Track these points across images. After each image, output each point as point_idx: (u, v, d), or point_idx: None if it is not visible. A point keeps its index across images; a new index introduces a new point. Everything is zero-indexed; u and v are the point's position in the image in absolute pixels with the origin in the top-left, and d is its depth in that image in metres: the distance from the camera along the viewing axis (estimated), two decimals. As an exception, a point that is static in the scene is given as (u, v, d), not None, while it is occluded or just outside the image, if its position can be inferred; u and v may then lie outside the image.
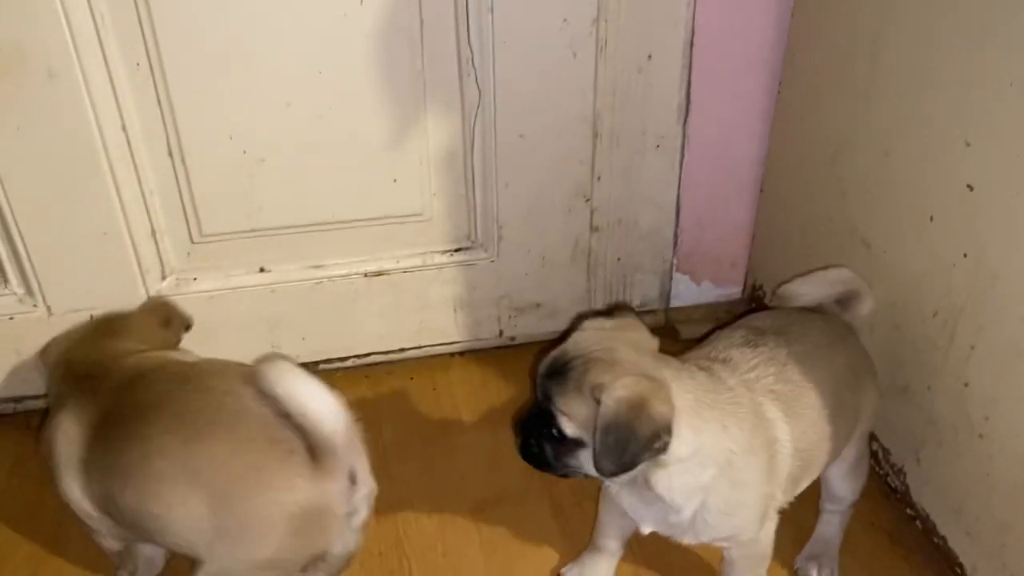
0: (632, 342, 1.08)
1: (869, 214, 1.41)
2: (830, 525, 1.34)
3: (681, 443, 1.01)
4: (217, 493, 1.02)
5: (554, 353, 1.09)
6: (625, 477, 1.05)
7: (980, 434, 1.21)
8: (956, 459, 1.27)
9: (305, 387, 1.02)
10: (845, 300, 1.31)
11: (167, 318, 1.41)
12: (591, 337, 1.09)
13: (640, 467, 1.03)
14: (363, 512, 1.11)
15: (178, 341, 1.43)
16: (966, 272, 1.21)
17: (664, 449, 1.00)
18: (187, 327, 1.45)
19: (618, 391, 0.99)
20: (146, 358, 1.22)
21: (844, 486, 1.31)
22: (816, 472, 1.22)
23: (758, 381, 1.13)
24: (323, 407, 1.02)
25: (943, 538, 1.32)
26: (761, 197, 1.76)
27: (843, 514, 1.35)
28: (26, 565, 1.36)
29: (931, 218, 1.26)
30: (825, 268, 1.33)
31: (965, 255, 1.20)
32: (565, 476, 1.11)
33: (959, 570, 1.29)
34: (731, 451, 1.05)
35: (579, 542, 1.39)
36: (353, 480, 1.07)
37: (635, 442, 0.98)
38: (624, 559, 1.35)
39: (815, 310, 1.30)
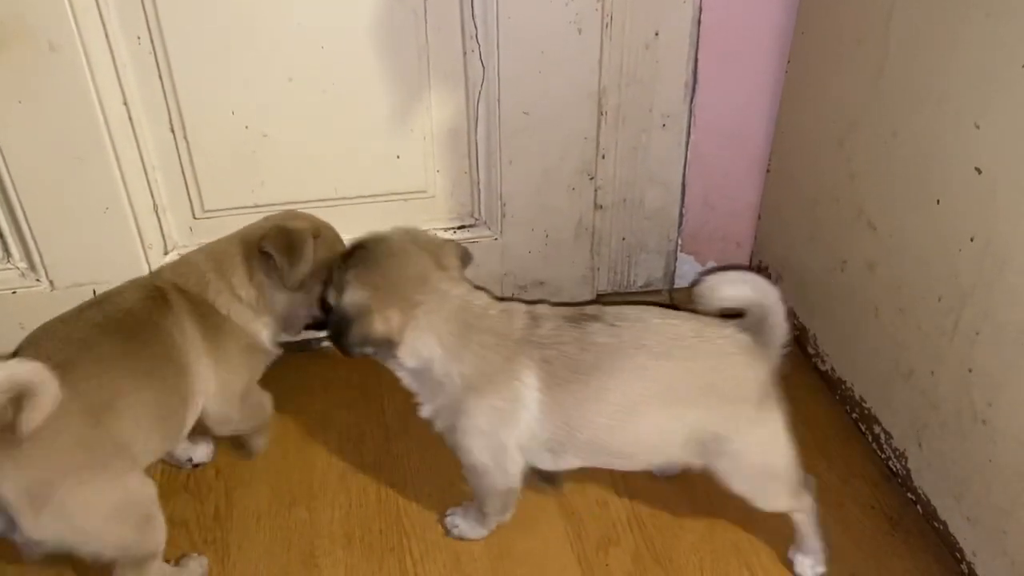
0: (435, 261, 1.23)
1: (876, 196, 1.40)
2: (797, 523, 1.30)
3: (408, 354, 1.21)
4: None
5: (358, 240, 1.25)
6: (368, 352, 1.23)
7: (983, 420, 1.20)
8: (958, 444, 1.26)
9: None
10: (758, 318, 1.17)
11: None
12: (395, 243, 1.23)
13: (377, 355, 1.23)
14: None
15: None
16: (972, 257, 1.19)
17: (390, 350, 1.20)
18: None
19: (349, 296, 1.19)
20: None
21: (736, 490, 1.24)
22: (588, 458, 1.25)
23: (542, 349, 1.18)
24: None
25: (943, 523, 1.32)
26: (768, 177, 1.74)
27: (802, 513, 1.28)
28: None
29: (938, 201, 1.24)
30: (742, 269, 1.28)
31: (972, 239, 1.19)
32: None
33: (959, 555, 1.29)
34: (459, 380, 1.20)
35: (578, 521, 1.40)
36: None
37: (350, 336, 1.18)
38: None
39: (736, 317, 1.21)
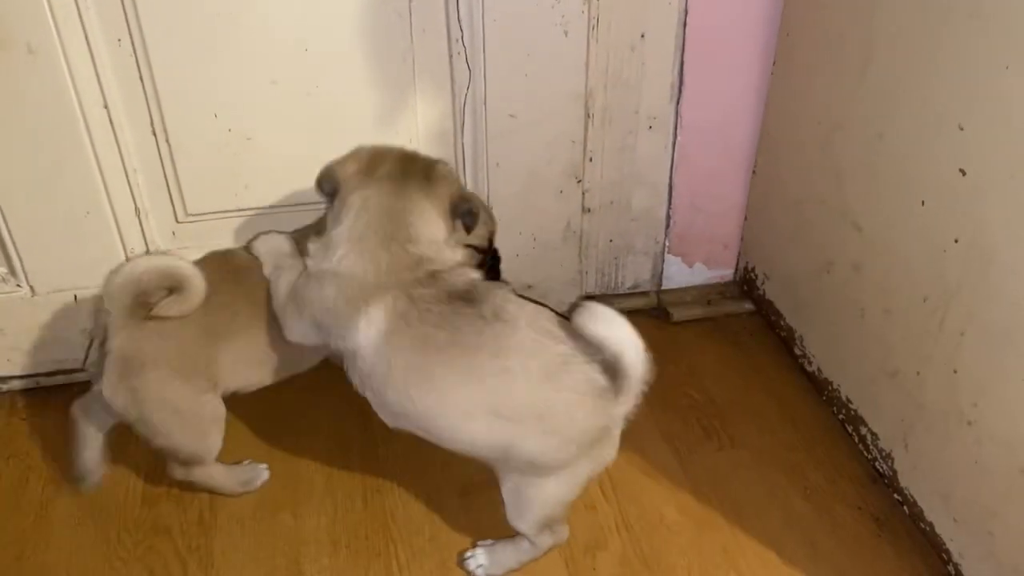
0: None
1: (861, 197, 1.40)
2: (521, 540, 1.29)
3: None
4: None
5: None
6: None
7: (969, 420, 1.20)
8: (945, 445, 1.26)
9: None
10: (616, 361, 1.11)
11: None
12: None
13: None
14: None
15: None
16: (957, 257, 1.19)
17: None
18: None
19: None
20: None
21: (504, 494, 1.24)
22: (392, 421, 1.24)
23: (409, 304, 1.16)
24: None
25: (930, 524, 1.32)
26: (754, 179, 1.75)
27: (531, 544, 1.28)
28: (12, 545, 1.35)
29: (923, 202, 1.25)
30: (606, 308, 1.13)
31: (956, 240, 1.19)
32: None
33: (946, 556, 1.29)
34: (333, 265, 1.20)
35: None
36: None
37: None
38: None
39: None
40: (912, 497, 1.36)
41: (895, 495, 1.40)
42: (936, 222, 1.22)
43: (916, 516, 1.36)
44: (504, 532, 1.33)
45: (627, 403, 1.13)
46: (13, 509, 1.41)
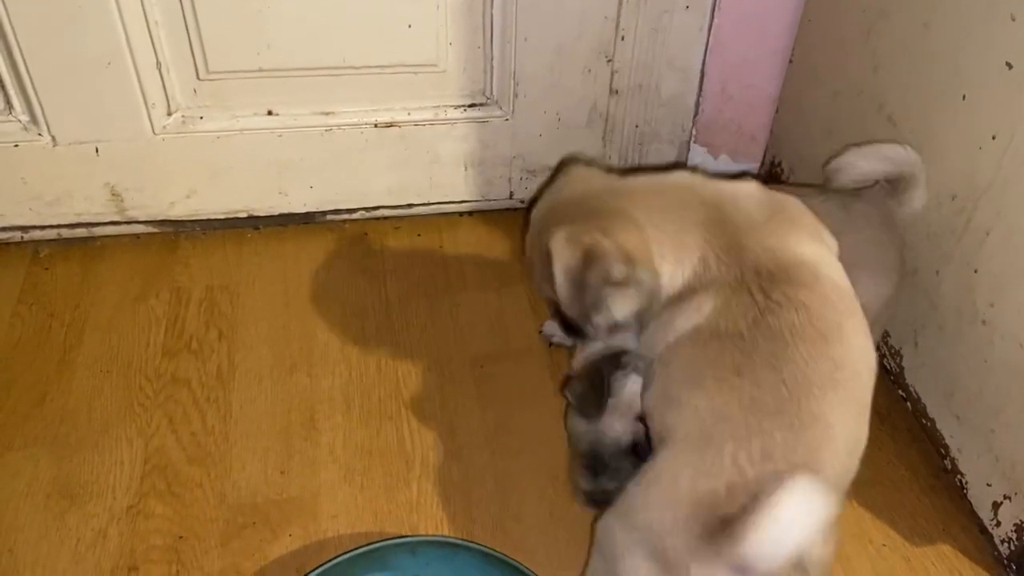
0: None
1: (900, 90, 1.35)
2: None
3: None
4: None
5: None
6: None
7: (983, 320, 1.20)
8: (955, 344, 1.27)
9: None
10: (896, 185, 1.23)
11: None
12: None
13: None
14: None
15: None
16: (992, 155, 1.16)
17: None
18: None
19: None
20: None
21: None
22: None
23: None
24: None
25: (932, 420, 1.34)
26: (790, 68, 1.69)
27: None
28: (35, 388, 1.39)
29: (964, 96, 1.21)
30: (882, 142, 1.25)
31: (994, 137, 1.16)
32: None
33: (943, 451, 1.32)
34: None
35: (573, 401, 1.42)
36: None
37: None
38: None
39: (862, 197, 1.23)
40: (916, 394, 1.38)
41: (900, 391, 1.42)
42: (975, 117, 1.19)
43: (918, 412, 1.38)
44: (510, 399, 1.36)
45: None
46: (36, 354, 1.45)
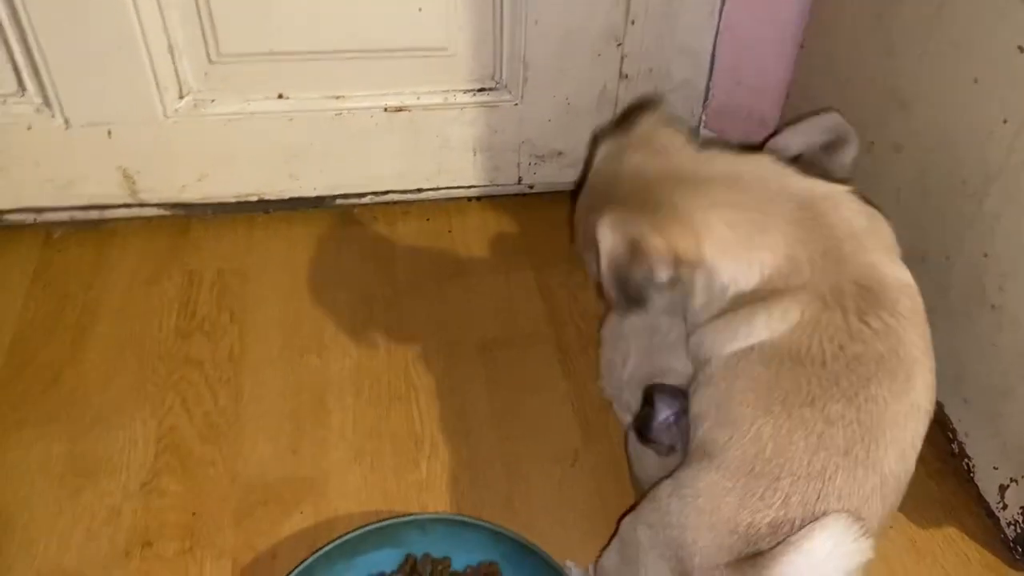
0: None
1: (912, 74, 1.35)
2: None
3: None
4: None
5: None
6: None
7: (992, 304, 1.21)
8: (964, 329, 1.27)
9: None
10: (831, 147, 1.18)
11: None
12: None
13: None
14: None
15: None
16: (1003, 139, 1.16)
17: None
18: None
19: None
20: None
21: None
22: None
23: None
24: None
25: (939, 404, 1.34)
26: (801, 53, 1.68)
27: None
28: (48, 368, 1.41)
29: (975, 80, 1.20)
30: (816, 113, 1.24)
31: (1005, 121, 1.15)
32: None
33: (951, 435, 1.32)
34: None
35: (581, 385, 1.43)
36: None
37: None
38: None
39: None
40: (925, 378, 1.38)
41: (908, 376, 1.42)
42: (986, 101, 1.19)
43: (926, 397, 1.38)
44: (518, 383, 1.37)
45: None
46: (50, 335, 1.46)
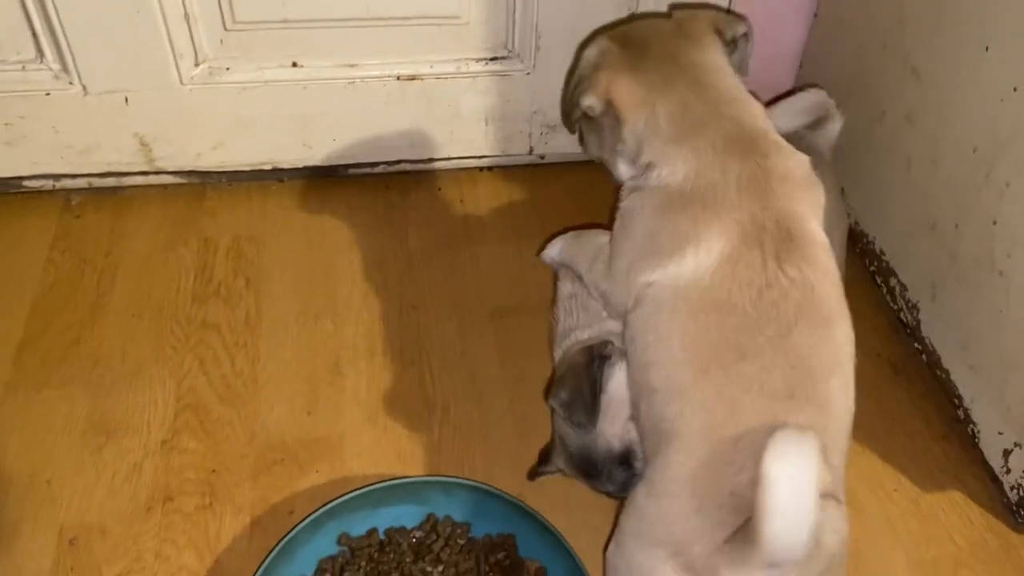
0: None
1: (925, 42, 1.35)
2: None
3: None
4: None
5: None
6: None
7: (1000, 271, 1.22)
8: (972, 296, 1.28)
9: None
10: (817, 123, 1.25)
11: None
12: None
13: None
14: None
15: None
16: (1013, 107, 1.17)
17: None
18: None
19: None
20: None
21: None
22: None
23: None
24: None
25: (946, 371, 1.36)
26: (814, 22, 1.68)
27: None
28: (69, 331, 1.44)
29: (987, 48, 1.21)
30: (801, 91, 1.28)
31: (1015, 89, 1.16)
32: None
33: (957, 401, 1.34)
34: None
35: (592, 350, 1.45)
36: None
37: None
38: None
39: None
40: (932, 346, 1.39)
41: (915, 344, 1.44)
42: (997, 69, 1.19)
43: (933, 364, 1.39)
44: (528, 349, 1.39)
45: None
46: (69, 299, 1.49)
